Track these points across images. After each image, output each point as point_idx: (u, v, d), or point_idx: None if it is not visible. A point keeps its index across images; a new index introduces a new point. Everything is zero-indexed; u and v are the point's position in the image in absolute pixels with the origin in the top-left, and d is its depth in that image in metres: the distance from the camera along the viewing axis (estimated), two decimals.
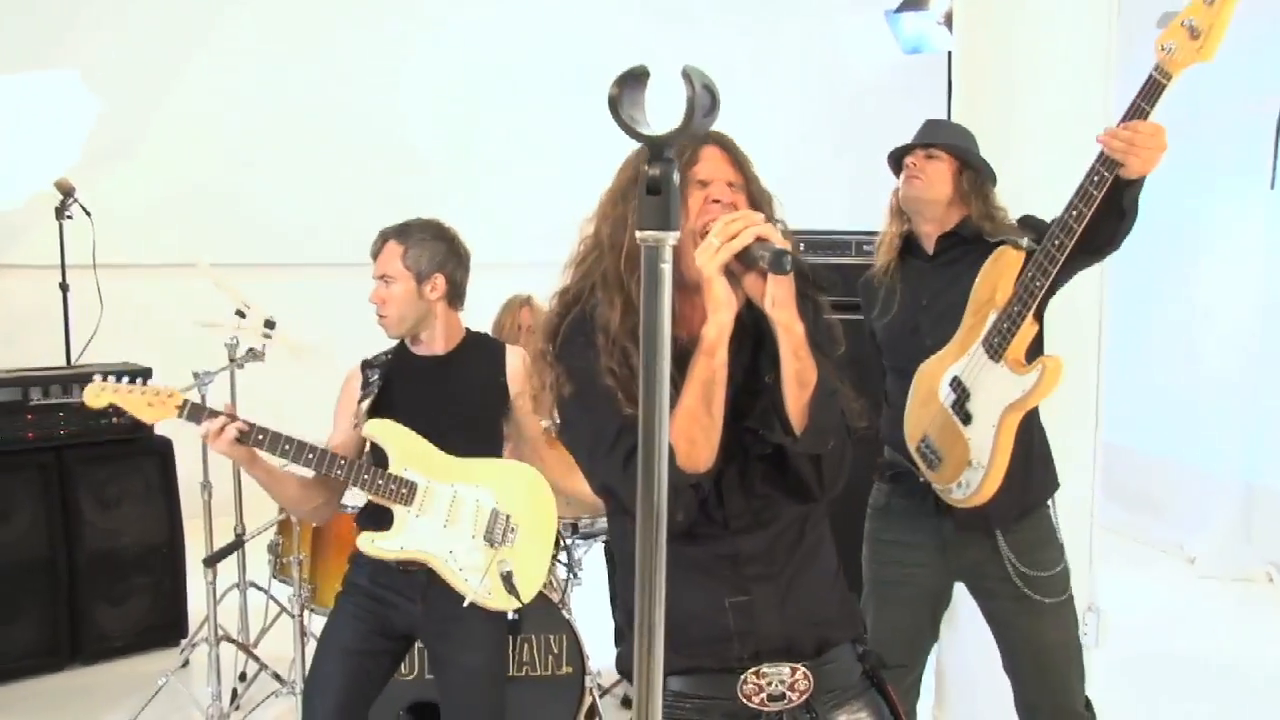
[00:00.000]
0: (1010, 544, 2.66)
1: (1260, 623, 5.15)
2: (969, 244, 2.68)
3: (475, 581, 2.69)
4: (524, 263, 6.31)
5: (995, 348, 2.47)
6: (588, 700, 3.45)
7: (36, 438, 4.33)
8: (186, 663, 4.14)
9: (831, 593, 1.88)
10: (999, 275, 2.49)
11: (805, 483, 1.78)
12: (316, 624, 3.91)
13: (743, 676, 1.76)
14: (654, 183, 0.97)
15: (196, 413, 2.60)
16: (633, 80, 0.93)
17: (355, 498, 3.33)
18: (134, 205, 6.17)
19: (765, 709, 1.77)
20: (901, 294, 2.77)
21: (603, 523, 3.77)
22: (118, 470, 4.53)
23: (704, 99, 0.93)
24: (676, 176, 0.97)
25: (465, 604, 2.67)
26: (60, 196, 5.04)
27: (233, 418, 2.58)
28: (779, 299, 1.66)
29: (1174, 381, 6.17)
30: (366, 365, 2.88)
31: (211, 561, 3.65)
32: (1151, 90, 2.23)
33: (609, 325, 1.74)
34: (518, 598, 2.70)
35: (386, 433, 2.73)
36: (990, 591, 2.74)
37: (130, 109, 6.02)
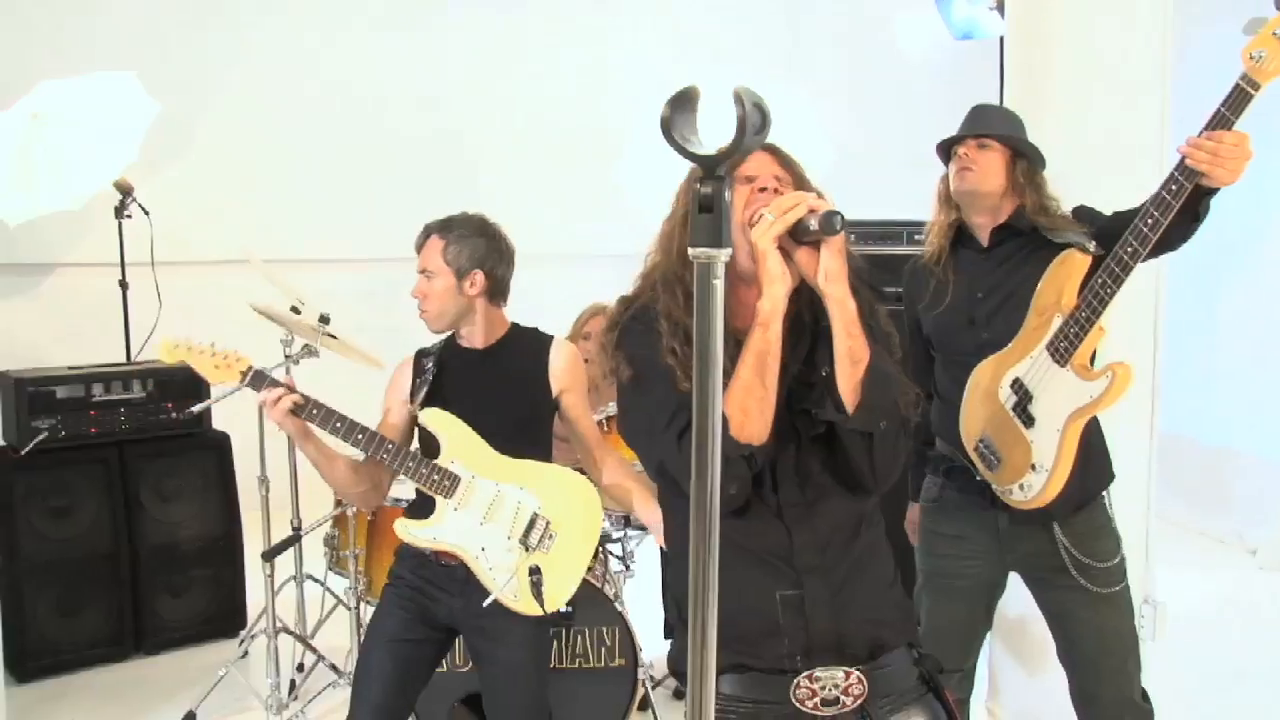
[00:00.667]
0: (1067, 535, 2.65)
1: None
2: (1024, 235, 2.65)
3: (502, 581, 2.70)
4: (581, 254, 6.37)
5: (1061, 352, 2.44)
6: (640, 692, 3.47)
7: (99, 433, 4.43)
8: (246, 653, 4.20)
9: (887, 596, 1.88)
10: (1065, 279, 2.45)
11: (859, 470, 1.78)
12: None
13: (795, 680, 1.75)
14: (706, 200, 0.97)
15: (259, 380, 2.67)
16: (684, 101, 0.94)
17: (407, 491, 3.38)
18: (190, 203, 6.25)
19: (819, 713, 1.76)
20: (955, 285, 2.74)
21: None
22: (177, 465, 4.62)
23: (755, 118, 0.94)
24: (728, 195, 0.97)
25: (486, 603, 2.68)
26: (119, 196, 5.13)
27: (291, 389, 2.64)
28: (831, 273, 1.70)
29: (1234, 371, 6.07)
30: (422, 354, 2.90)
31: (270, 556, 3.70)
32: (1237, 99, 2.17)
33: (671, 311, 1.80)
34: (541, 605, 2.69)
35: (442, 423, 2.75)
36: (1047, 582, 2.73)
37: (184, 108, 6.10)
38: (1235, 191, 2.27)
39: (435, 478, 2.71)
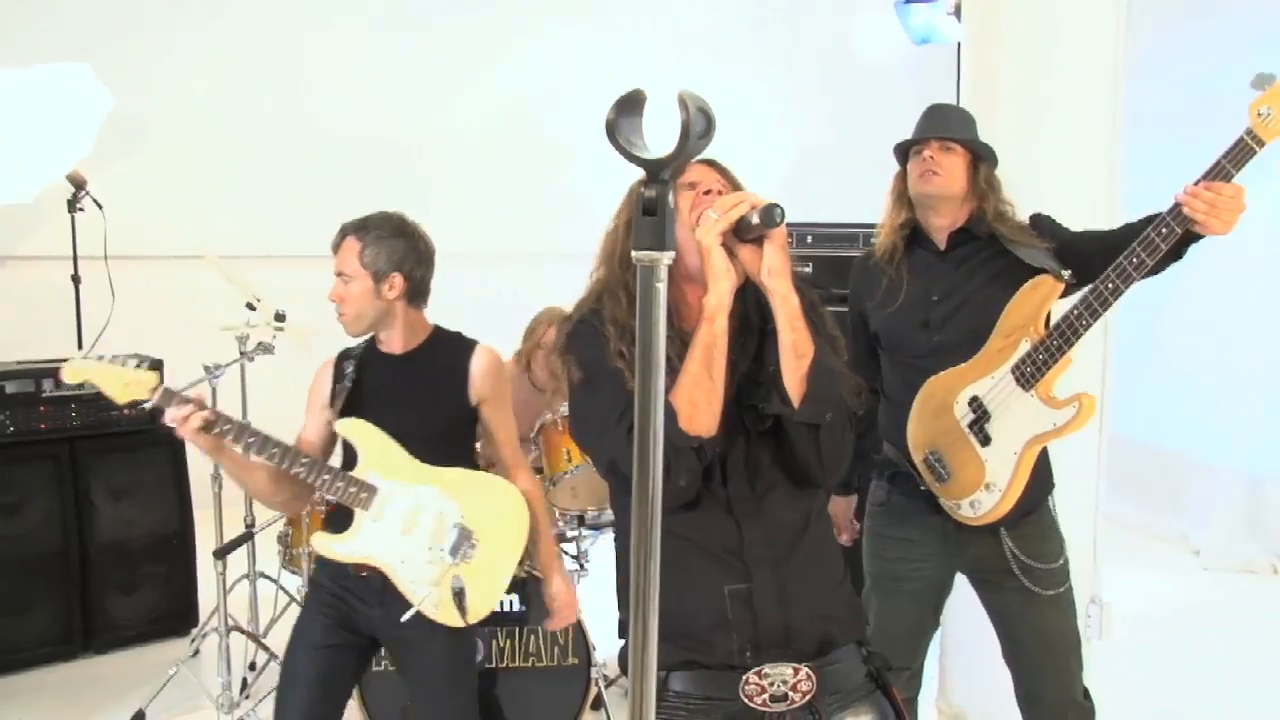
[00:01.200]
0: (1013, 539, 2.67)
1: (1264, 614, 5.16)
2: (980, 240, 2.66)
3: (423, 593, 2.62)
4: (536, 253, 6.35)
5: (1027, 377, 2.46)
6: (593, 691, 3.48)
7: (49, 429, 4.38)
8: (197, 652, 4.17)
9: (836, 593, 1.91)
10: (1038, 304, 2.47)
11: (806, 463, 1.82)
12: None
13: (745, 676, 1.77)
14: (650, 203, 0.98)
15: (167, 398, 2.55)
16: (629, 104, 0.95)
17: None
18: (145, 197, 6.19)
19: (768, 709, 1.78)
20: (909, 286, 2.72)
21: (609, 514, 3.79)
22: (129, 461, 4.58)
23: (699, 122, 0.95)
24: (672, 198, 0.99)
25: (405, 617, 2.60)
26: (72, 189, 5.07)
27: (201, 406, 2.54)
28: (774, 268, 1.75)
29: (1181, 375, 6.16)
30: (343, 357, 2.81)
31: (222, 554, 3.68)
32: (1240, 153, 2.19)
33: (616, 316, 1.84)
34: (464, 616, 2.62)
35: (359, 432, 2.67)
36: (993, 584, 2.76)
37: (139, 101, 6.05)
38: None
39: (352, 490, 2.63)
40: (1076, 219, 2.70)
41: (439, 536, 2.67)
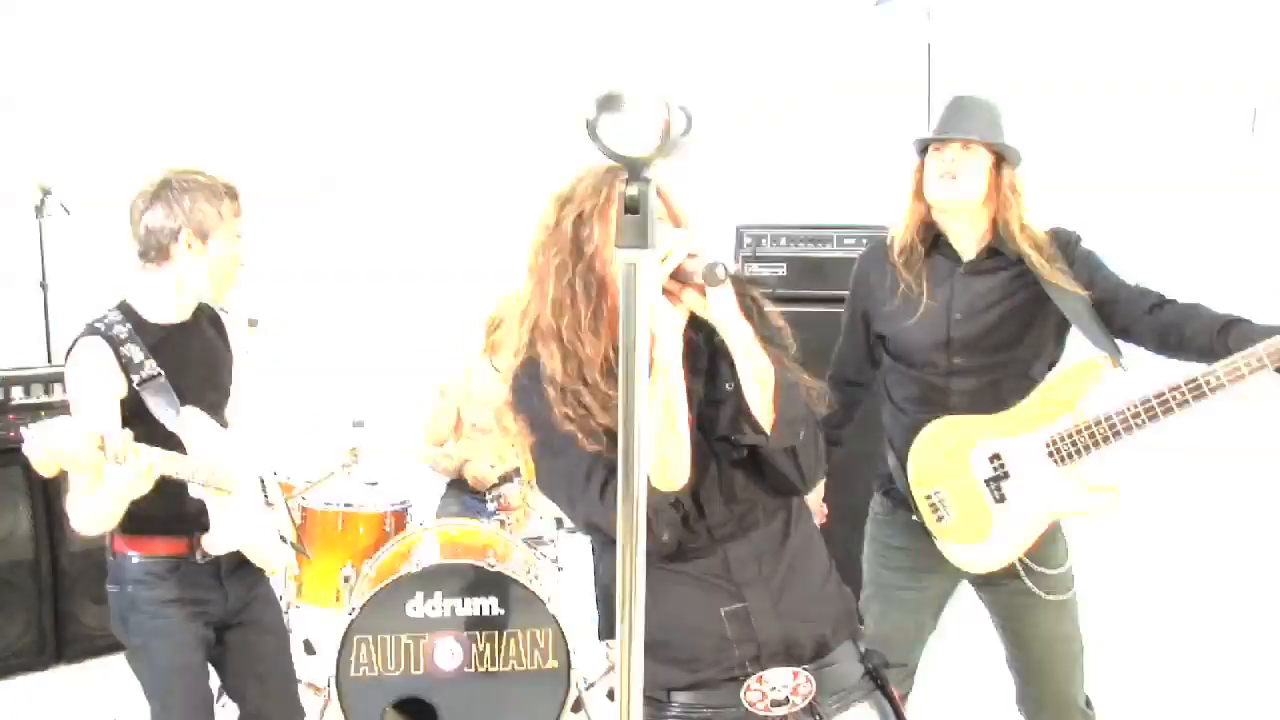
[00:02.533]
0: None
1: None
2: (1004, 256, 2.57)
3: (274, 549, 2.75)
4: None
5: (1063, 455, 2.45)
6: (573, 694, 3.47)
7: (19, 437, 4.30)
8: None
9: (825, 590, 1.90)
10: (1086, 384, 2.45)
11: (786, 477, 1.81)
12: (301, 620, 3.92)
13: (746, 683, 1.77)
14: (632, 202, 0.97)
15: None
16: (609, 102, 0.94)
17: (340, 494, 3.32)
18: (113, 203, 6.11)
19: (769, 714, 1.78)
20: (929, 299, 2.61)
21: None
22: None
23: (680, 121, 0.95)
24: (655, 196, 0.98)
25: (275, 571, 2.77)
26: (40, 195, 5.01)
27: None
28: (722, 311, 1.67)
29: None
30: (113, 341, 2.48)
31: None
32: None
33: (554, 375, 1.75)
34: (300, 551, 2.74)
35: (196, 422, 2.53)
36: (999, 587, 2.69)
37: (103, 105, 5.97)
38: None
39: (214, 479, 2.50)
40: None
41: (267, 494, 2.75)
